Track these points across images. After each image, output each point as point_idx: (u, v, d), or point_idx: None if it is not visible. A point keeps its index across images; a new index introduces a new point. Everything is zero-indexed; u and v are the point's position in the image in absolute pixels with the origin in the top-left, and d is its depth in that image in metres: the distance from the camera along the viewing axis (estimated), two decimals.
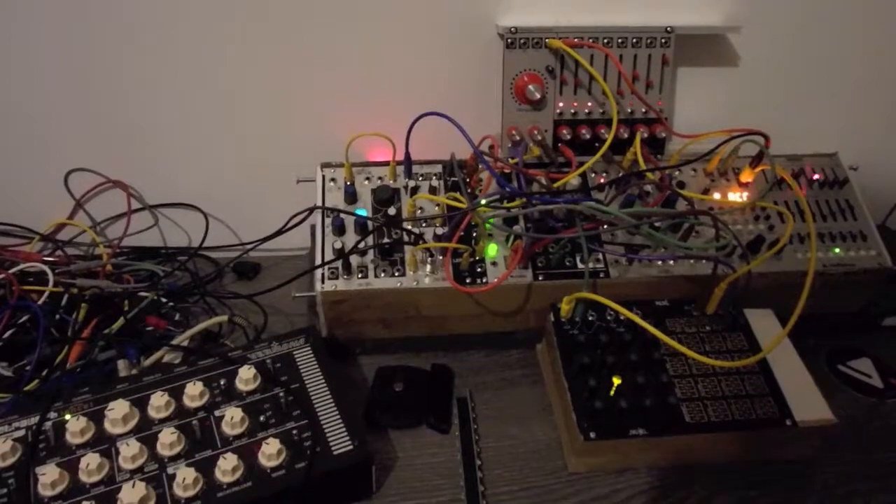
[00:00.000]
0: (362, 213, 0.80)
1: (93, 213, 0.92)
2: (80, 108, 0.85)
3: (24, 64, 0.81)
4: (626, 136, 0.86)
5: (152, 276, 0.86)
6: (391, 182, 0.83)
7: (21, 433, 0.63)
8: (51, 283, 0.78)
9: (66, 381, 0.73)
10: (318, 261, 0.77)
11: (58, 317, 0.77)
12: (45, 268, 0.79)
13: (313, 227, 0.89)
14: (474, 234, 0.79)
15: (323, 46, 0.84)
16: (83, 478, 0.60)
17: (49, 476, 0.59)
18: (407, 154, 0.82)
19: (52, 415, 0.65)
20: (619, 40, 0.83)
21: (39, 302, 0.77)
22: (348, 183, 0.82)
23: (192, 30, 0.81)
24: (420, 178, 0.84)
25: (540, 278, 0.77)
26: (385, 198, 0.80)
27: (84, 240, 0.91)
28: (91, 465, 0.60)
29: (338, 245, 0.76)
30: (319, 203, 0.81)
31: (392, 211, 0.80)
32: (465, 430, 0.74)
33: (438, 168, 0.85)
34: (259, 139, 0.90)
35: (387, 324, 0.79)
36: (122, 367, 0.73)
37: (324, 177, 0.83)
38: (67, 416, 0.65)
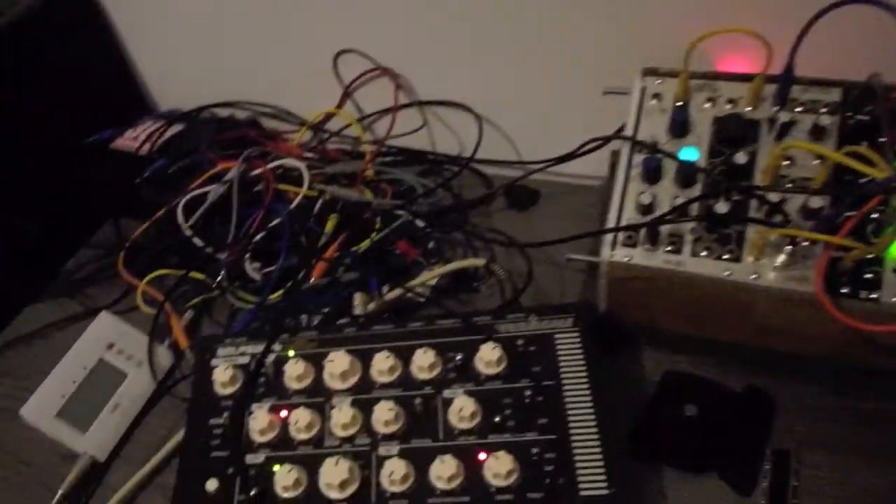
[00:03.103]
0: (692, 155, 0.57)
1: (362, 103, 0.84)
2: None
3: None
4: None
5: (411, 191, 0.76)
6: (748, 110, 0.58)
7: (245, 360, 0.60)
8: (305, 186, 0.73)
9: (306, 300, 0.68)
10: (613, 216, 0.58)
11: (308, 224, 0.72)
12: (302, 167, 0.74)
13: (616, 154, 0.70)
14: (875, 217, 0.52)
15: None
16: (292, 432, 0.55)
17: (259, 422, 0.55)
18: (789, 67, 0.55)
19: (277, 346, 0.60)
20: None
21: (292, 205, 0.72)
22: (679, 104, 0.59)
23: None
24: (799, 109, 0.57)
25: None
26: (734, 135, 0.57)
27: (353, 133, 0.84)
28: (300, 423, 0.54)
29: (646, 200, 0.56)
30: (630, 128, 0.60)
31: (741, 158, 0.56)
32: (778, 501, 0.53)
33: (836, 95, 0.57)
34: (556, 29, 0.70)
35: (693, 319, 0.59)
36: (359, 301, 0.65)
37: (644, 89, 0.61)
38: (290, 353, 0.59)
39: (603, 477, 0.50)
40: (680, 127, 0.59)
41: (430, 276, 0.67)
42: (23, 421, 0.63)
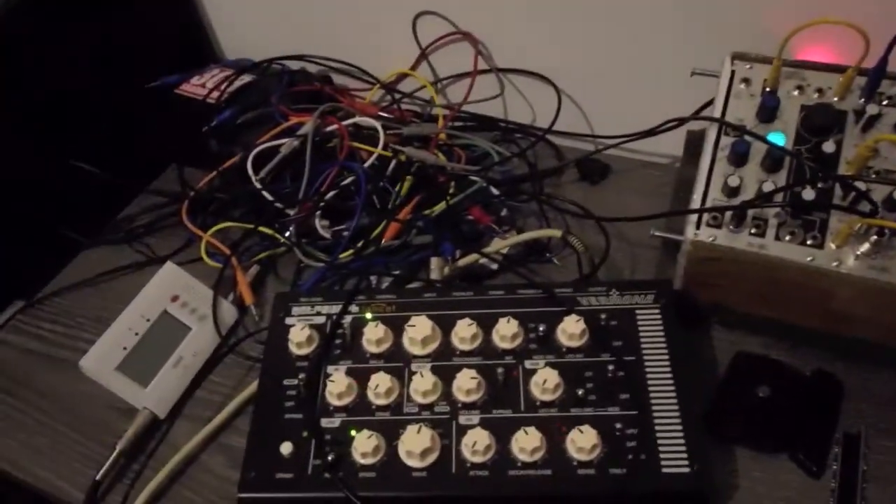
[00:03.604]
0: (779, 139, 0.57)
1: (436, 66, 0.82)
2: None
3: None
4: None
5: (486, 157, 0.75)
6: (835, 100, 0.58)
7: (321, 320, 0.60)
8: (381, 145, 0.72)
9: (377, 261, 0.68)
10: (698, 196, 0.57)
11: (381, 184, 0.71)
12: (378, 126, 0.72)
13: (692, 134, 0.69)
14: None
15: None
16: (370, 397, 0.55)
17: (337, 385, 0.54)
18: (883, 61, 0.55)
19: (354, 308, 0.60)
20: None
21: (367, 164, 0.71)
22: (768, 90, 0.59)
23: None
24: (885, 103, 0.57)
25: None
26: (822, 124, 0.56)
27: (423, 95, 0.83)
28: (380, 388, 0.54)
29: (734, 182, 0.56)
30: (718, 110, 0.60)
31: (829, 147, 0.55)
32: (847, 484, 0.54)
33: None
34: (646, 6, 0.69)
35: (770, 302, 0.59)
36: (435, 266, 0.65)
37: (733, 73, 0.60)
38: (368, 316, 0.59)
39: (684, 455, 0.50)
40: (769, 112, 0.58)
41: (505, 244, 0.66)
42: (81, 372, 0.60)
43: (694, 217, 0.57)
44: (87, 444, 0.62)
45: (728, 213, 0.56)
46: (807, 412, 0.58)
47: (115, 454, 0.59)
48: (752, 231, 0.56)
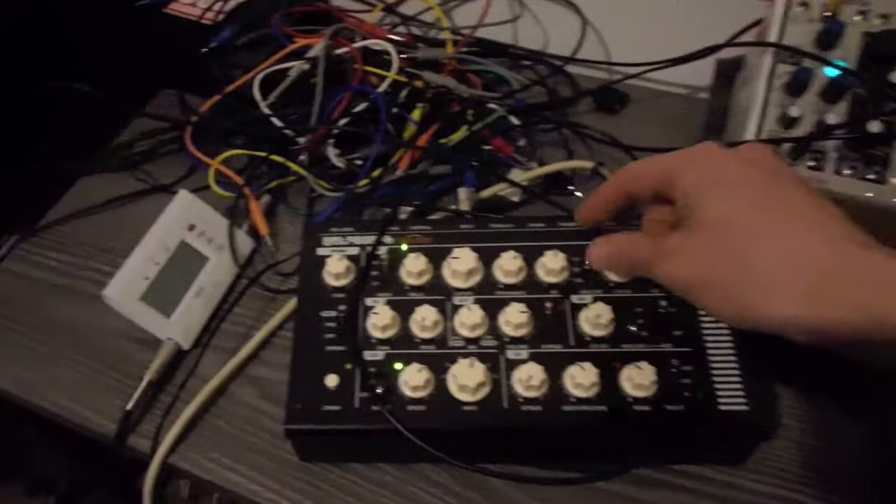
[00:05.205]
0: (841, 66, 0.54)
1: None
2: None
3: None
4: None
5: (499, 84, 0.71)
6: None
7: (355, 251, 0.55)
8: (394, 69, 0.67)
9: (396, 192, 0.64)
10: (753, 127, 0.55)
11: (395, 111, 0.66)
12: (391, 48, 0.67)
13: (723, 64, 0.66)
14: None
15: None
16: (414, 329, 0.51)
17: (381, 318, 0.51)
18: None
19: (388, 239, 0.56)
20: None
21: (380, 89, 0.66)
22: (829, 14, 0.56)
23: None
24: None
25: None
26: (889, 52, 0.54)
27: (427, 18, 0.77)
28: (427, 321, 0.51)
29: (794, 112, 0.53)
30: (774, 34, 0.56)
31: None
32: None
33: None
34: None
35: None
36: (464, 196, 0.61)
37: None
38: (404, 247, 0.55)
39: (742, 393, 0.48)
40: (832, 39, 0.55)
41: (532, 174, 0.63)
42: (95, 303, 0.57)
43: None
44: (109, 375, 0.59)
45: (786, 146, 0.53)
46: None
47: (143, 384, 0.56)
48: (811, 164, 0.53)
